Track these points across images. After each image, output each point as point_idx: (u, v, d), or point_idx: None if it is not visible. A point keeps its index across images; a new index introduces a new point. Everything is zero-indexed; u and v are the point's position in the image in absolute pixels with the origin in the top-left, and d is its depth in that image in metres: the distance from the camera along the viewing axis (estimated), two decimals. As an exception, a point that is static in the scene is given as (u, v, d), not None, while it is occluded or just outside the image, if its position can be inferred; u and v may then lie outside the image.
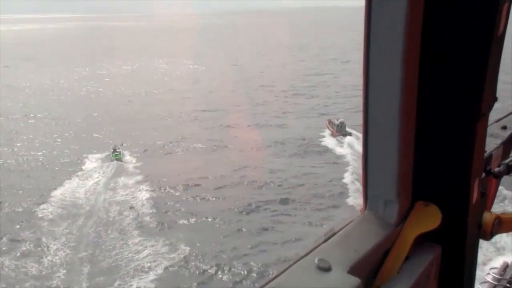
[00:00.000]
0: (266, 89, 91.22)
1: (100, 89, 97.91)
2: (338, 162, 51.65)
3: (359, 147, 50.15)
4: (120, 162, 52.17)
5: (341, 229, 2.19)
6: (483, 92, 2.22)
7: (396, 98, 2.12)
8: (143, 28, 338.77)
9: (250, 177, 46.73)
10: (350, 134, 60.48)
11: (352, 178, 45.18)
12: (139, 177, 47.07)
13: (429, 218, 2.34)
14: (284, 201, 41.40)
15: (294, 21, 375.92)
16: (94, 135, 63.79)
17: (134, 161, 53.08)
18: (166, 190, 43.79)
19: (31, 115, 75.26)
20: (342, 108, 75.60)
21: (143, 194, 42.55)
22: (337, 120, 63.32)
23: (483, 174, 2.66)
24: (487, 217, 2.69)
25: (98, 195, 42.47)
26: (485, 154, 2.70)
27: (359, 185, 38.98)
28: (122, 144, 57.40)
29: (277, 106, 79.23)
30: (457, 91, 2.24)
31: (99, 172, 48.96)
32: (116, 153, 53.61)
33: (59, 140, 62.14)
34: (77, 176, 47.98)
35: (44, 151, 57.01)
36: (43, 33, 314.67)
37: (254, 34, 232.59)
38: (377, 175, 2.32)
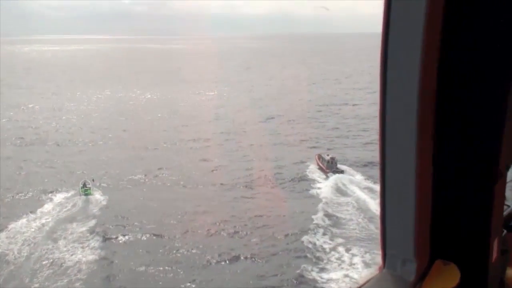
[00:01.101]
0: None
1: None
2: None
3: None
4: (89, 197, 50.33)
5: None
6: (500, 152, 2.26)
7: (412, 158, 2.17)
8: (178, 51, 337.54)
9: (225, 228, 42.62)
10: (342, 172, 55.86)
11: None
12: (93, 222, 43.62)
13: (448, 278, 2.33)
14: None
15: (343, 46, 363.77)
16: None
17: (102, 198, 50.28)
18: (121, 242, 40.07)
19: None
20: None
21: (87, 253, 37.69)
22: (328, 155, 58.75)
23: (504, 231, 2.64)
24: (510, 273, 2.67)
25: (34, 248, 37.99)
26: (507, 210, 2.67)
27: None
28: (93, 180, 54.57)
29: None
30: (475, 149, 2.27)
31: (55, 211, 46.09)
32: (86, 189, 51.40)
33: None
34: (29, 214, 44.85)
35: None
36: (74, 54, 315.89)
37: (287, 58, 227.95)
38: (394, 233, 2.37)
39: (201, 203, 47.52)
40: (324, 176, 55.88)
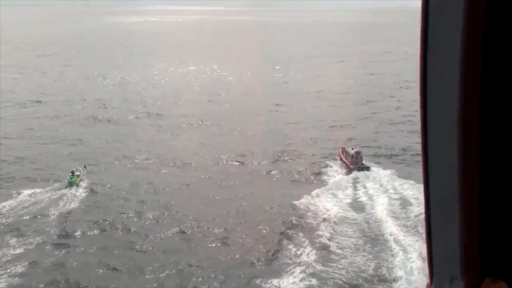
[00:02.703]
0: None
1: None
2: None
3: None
4: (75, 187, 45.39)
5: None
6: None
7: (457, 170, 2.05)
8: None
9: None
10: (367, 169, 47.68)
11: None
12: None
13: None
14: None
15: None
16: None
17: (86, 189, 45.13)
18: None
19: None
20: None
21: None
22: (352, 149, 50.36)
23: None
24: None
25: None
26: None
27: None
28: (85, 167, 49.19)
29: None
30: None
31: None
32: (72, 177, 46.16)
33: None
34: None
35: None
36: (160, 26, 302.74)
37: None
38: (441, 250, 2.29)
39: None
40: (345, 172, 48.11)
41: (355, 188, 44.18)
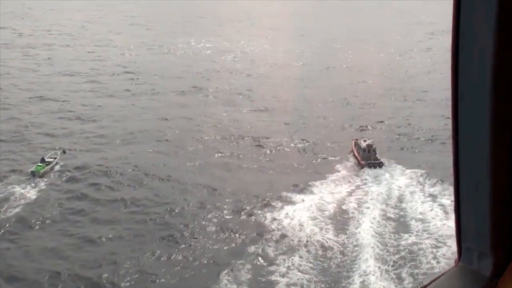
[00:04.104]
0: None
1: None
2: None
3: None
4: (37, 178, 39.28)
5: (431, 282, 2.14)
6: None
7: (488, 146, 2.06)
8: None
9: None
10: (380, 165, 38.80)
11: None
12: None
13: None
14: None
15: None
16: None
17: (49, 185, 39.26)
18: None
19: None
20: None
21: None
22: (364, 141, 41.26)
23: None
24: None
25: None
26: None
27: None
28: (64, 151, 43.98)
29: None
30: None
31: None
32: (38, 165, 40.53)
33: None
34: None
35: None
36: None
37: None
38: (470, 226, 2.26)
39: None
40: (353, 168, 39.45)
41: (350, 193, 35.51)
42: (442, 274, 2.22)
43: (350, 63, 79.63)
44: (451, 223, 29.39)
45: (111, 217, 35.18)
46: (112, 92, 63.47)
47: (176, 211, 35.49)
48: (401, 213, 32.64)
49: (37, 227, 33.41)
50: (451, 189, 32.95)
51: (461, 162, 2.17)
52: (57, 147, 44.66)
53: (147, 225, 33.86)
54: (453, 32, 2.03)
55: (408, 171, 38.67)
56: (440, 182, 35.83)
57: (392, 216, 32.29)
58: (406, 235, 30.06)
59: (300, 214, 32.53)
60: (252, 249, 29.63)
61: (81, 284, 27.44)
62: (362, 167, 39.70)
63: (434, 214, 31.99)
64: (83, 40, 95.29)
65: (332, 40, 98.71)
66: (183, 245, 31.11)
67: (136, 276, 28.09)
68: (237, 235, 31.76)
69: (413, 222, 31.29)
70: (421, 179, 36.78)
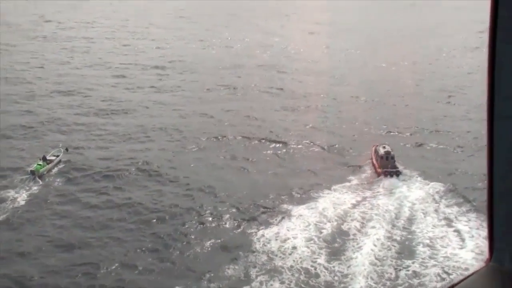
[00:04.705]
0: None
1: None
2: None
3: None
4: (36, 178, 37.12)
5: (461, 281, 2.10)
6: None
7: None
8: None
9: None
10: (397, 174, 34.78)
11: None
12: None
13: None
14: None
15: None
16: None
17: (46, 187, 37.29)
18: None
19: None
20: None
21: None
22: (383, 147, 37.23)
23: None
24: None
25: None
26: None
27: None
28: (67, 149, 41.97)
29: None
30: None
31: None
32: (39, 163, 38.38)
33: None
34: None
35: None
36: None
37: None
38: (503, 226, 2.24)
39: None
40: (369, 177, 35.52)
41: (356, 207, 31.55)
42: (472, 273, 2.14)
43: (390, 60, 74.57)
44: (464, 252, 25.35)
45: (100, 221, 32.95)
46: (136, 87, 61.54)
47: (170, 216, 32.87)
48: (409, 236, 28.44)
49: (18, 230, 31.51)
50: (469, 213, 28.32)
51: (495, 161, 2.12)
52: (60, 145, 42.63)
53: (133, 232, 31.38)
54: (490, 29, 1.99)
55: (426, 184, 34.29)
56: (458, 202, 31.44)
57: (398, 238, 28.20)
58: (409, 262, 25.95)
59: (295, 234, 28.92)
60: (235, 264, 26.56)
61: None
62: (378, 175, 35.93)
63: (446, 241, 27.60)
64: (122, 34, 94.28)
65: (378, 37, 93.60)
66: (169, 252, 28.60)
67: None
68: (223, 247, 28.80)
69: (420, 248, 27.07)
70: (436, 197, 32.32)
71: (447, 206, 31.22)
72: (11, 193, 35.21)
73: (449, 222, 29.50)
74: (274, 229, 29.52)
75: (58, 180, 38.21)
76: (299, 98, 57.90)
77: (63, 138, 45.83)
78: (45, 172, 38.44)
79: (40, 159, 39.16)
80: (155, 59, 75.21)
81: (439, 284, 23.69)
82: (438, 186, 33.70)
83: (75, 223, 32.51)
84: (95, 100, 56.65)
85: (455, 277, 22.24)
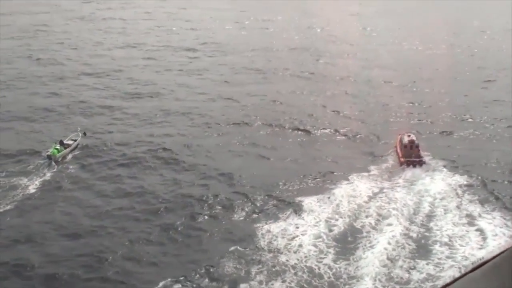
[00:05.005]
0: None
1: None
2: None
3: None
4: (53, 163, 36.48)
5: (492, 259, 2.03)
6: None
7: None
8: None
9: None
10: (420, 163, 32.55)
11: None
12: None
13: None
14: None
15: None
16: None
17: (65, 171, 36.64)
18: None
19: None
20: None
21: None
22: (408, 136, 34.95)
23: None
24: None
25: None
26: None
27: None
28: (85, 133, 41.22)
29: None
30: None
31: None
32: (56, 148, 37.53)
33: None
34: None
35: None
36: None
37: None
38: None
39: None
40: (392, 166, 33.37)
41: (372, 201, 29.46)
42: (502, 252, 2.00)
43: (428, 43, 71.04)
44: (484, 253, 22.88)
45: (109, 210, 31.92)
46: (164, 70, 60.62)
47: (180, 206, 31.54)
48: (426, 233, 26.24)
49: (25, 217, 30.97)
50: (495, 211, 25.83)
51: None
52: (79, 129, 41.96)
53: (140, 222, 30.33)
54: None
55: (451, 175, 31.83)
56: (484, 197, 28.92)
57: (414, 235, 26.06)
58: (423, 263, 23.87)
59: (304, 230, 27.14)
60: (238, 260, 25.13)
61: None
62: (401, 164, 33.76)
63: (466, 240, 25.31)
64: (159, 15, 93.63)
65: (418, 19, 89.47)
66: (173, 244, 27.49)
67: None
68: (229, 241, 27.34)
69: (436, 247, 24.89)
70: (459, 191, 29.86)
71: (471, 201, 28.78)
72: (23, 180, 34.58)
73: (471, 220, 27.09)
74: (282, 224, 27.82)
75: (71, 167, 37.28)
76: (330, 82, 55.64)
77: (85, 121, 45.21)
78: (60, 158, 37.64)
79: (56, 143, 38.45)
80: (187, 41, 74.09)
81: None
82: (462, 179, 31.23)
83: (83, 212, 31.63)
84: (121, 82, 55.98)
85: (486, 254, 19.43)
